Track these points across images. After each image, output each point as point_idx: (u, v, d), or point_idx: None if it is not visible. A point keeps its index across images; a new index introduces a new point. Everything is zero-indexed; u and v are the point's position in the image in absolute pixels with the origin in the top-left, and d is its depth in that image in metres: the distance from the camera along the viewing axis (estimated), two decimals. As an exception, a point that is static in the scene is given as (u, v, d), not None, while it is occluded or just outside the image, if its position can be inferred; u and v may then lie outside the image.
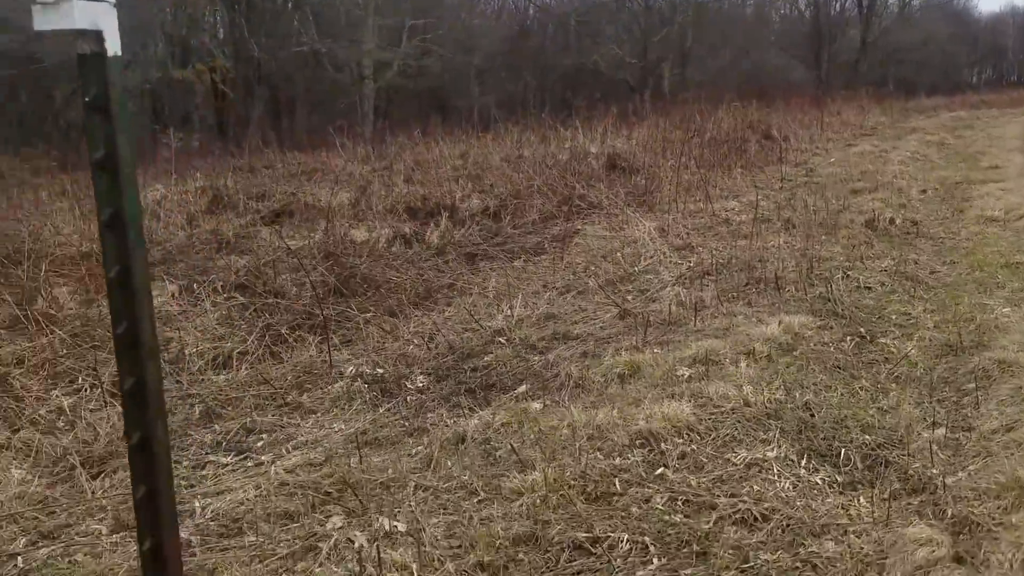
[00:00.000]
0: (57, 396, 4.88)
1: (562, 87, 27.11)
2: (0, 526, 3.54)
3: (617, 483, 3.49)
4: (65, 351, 5.39)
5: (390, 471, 3.82)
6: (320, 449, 4.15)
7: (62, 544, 3.39)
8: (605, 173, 10.99)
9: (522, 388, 4.66)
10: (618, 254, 7.09)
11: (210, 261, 7.46)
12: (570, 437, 3.89)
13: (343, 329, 5.81)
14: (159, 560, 1.01)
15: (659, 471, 3.60)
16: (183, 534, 3.44)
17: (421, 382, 4.88)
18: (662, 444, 3.77)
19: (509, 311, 5.79)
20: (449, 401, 4.60)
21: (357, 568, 3.01)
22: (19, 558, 3.29)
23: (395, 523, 3.34)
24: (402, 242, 8.15)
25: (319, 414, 4.62)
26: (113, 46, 0.99)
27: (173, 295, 6.31)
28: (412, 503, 3.52)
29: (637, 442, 3.82)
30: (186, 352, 5.30)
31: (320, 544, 3.25)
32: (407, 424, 4.37)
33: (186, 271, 6.83)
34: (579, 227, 7.84)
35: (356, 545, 3.22)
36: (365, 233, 8.63)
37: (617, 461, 3.67)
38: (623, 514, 3.26)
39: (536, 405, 4.39)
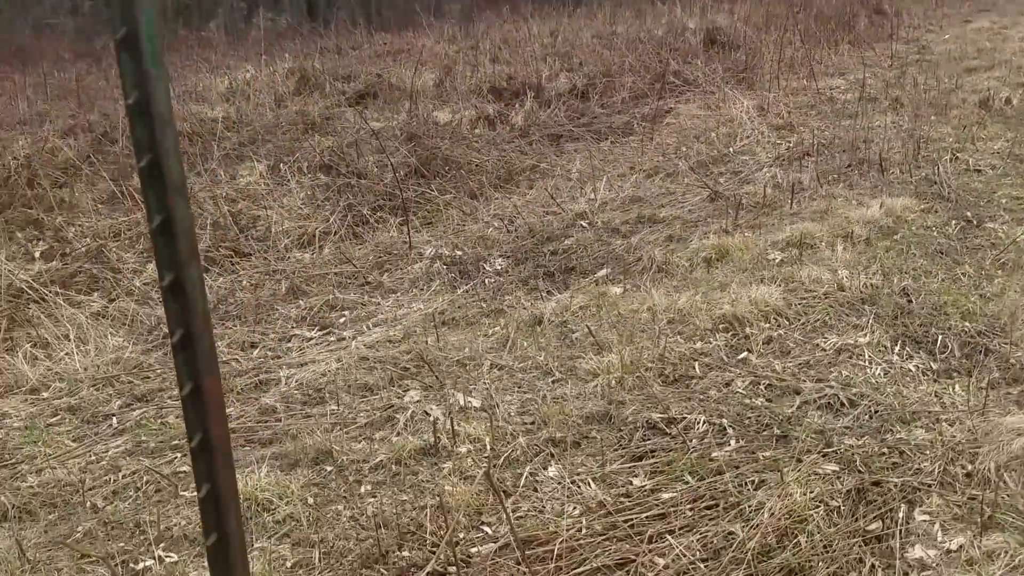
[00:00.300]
0: (151, 269, 5.04)
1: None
2: (98, 388, 3.73)
3: (696, 367, 3.41)
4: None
5: (466, 350, 3.82)
6: (399, 327, 4.18)
7: (154, 407, 3.54)
8: (703, 49, 10.45)
9: (602, 272, 4.56)
10: (712, 134, 6.78)
11: (296, 142, 7.49)
12: (649, 321, 3.79)
13: (423, 211, 5.78)
14: (199, 401, 0.98)
15: (742, 355, 3.49)
16: (268, 400, 3.55)
17: (499, 265, 4.83)
18: (747, 329, 3.64)
19: (592, 194, 5.63)
20: (527, 284, 4.55)
21: (433, 439, 3.04)
22: (114, 418, 3.46)
23: (470, 399, 3.36)
24: (485, 123, 7.99)
25: (399, 294, 4.65)
26: None
27: (261, 174, 6.38)
28: (487, 381, 3.52)
29: (720, 326, 3.70)
30: (272, 230, 5.37)
31: (397, 416, 3.29)
32: (484, 306, 4.35)
33: (273, 151, 6.87)
34: (671, 106, 7.51)
35: (432, 417, 3.26)
36: (448, 114, 8.50)
37: (698, 345, 3.58)
38: (701, 396, 3.19)
39: (616, 289, 4.30)
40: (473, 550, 2.49)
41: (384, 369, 3.72)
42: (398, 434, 3.17)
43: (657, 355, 3.44)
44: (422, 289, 4.66)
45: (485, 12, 15.65)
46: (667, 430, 2.97)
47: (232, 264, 4.96)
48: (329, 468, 2.97)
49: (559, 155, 6.67)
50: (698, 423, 2.99)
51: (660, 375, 3.34)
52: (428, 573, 2.40)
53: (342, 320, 4.36)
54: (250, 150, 6.78)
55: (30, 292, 4.41)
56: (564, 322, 3.98)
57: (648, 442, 2.91)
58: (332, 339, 4.18)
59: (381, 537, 2.55)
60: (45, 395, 3.66)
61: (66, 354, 3.89)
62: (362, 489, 2.84)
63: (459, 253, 5.01)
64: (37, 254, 5.24)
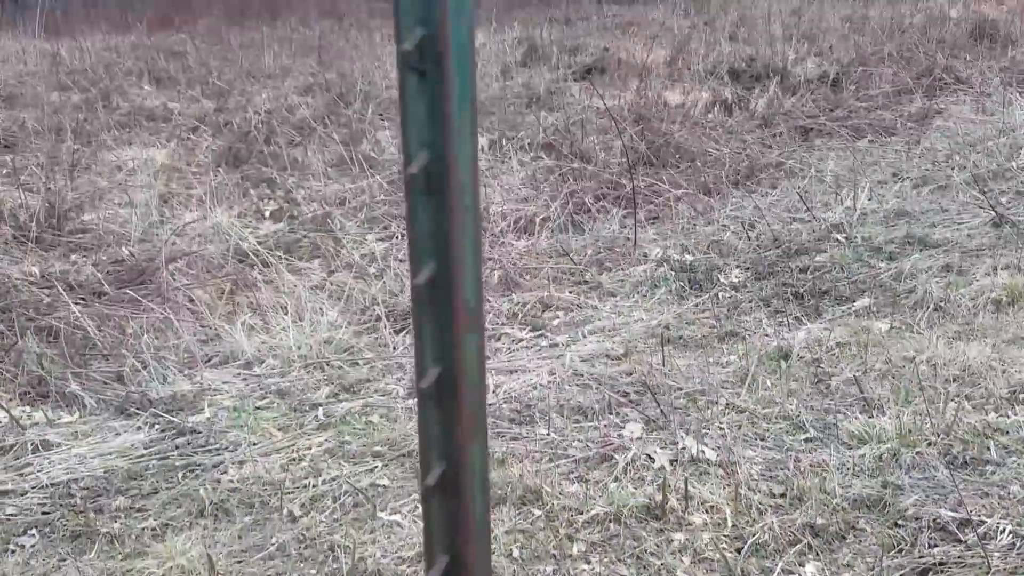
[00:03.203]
0: (371, 241, 4.89)
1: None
2: (308, 371, 3.56)
3: (992, 448, 2.73)
4: (382, 196, 5.40)
5: (697, 380, 3.33)
6: (618, 339, 3.75)
7: (361, 401, 3.31)
8: (970, 43, 9.18)
9: (864, 301, 3.89)
10: (991, 143, 5.80)
11: (520, 115, 7.20)
12: (929, 376, 3.13)
13: (651, 204, 5.28)
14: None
15: (1052, 440, 2.78)
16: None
17: (737, 277, 4.26)
18: (1059, 405, 2.91)
19: (851, 202, 4.91)
20: (770, 305, 3.96)
21: (659, 496, 2.59)
22: (320, 409, 3.25)
23: (702, 447, 2.87)
24: (722, 108, 7.33)
25: (618, 297, 4.20)
26: None
27: (483, 149, 6.11)
28: (722, 425, 3.01)
29: (1021, 396, 2.99)
30: (490, 211, 5.07)
31: (616, 455, 2.86)
32: (718, 325, 3.82)
33: (497, 125, 6.60)
34: (941, 106, 6.54)
35: (657, 464, 2.80)
36: (680, 96, 7.90)
37: (992, 418, 2.89)
38: (1000, 492, 2.53)
39: (882, 325, 3.64)
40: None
41: (600, 391, 3.30)
42: (616, 479, 2.74)
43: (943, 426, 2.79)
44: (645, 295, 4.19)
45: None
46: (960, 535, 2.35)
47: (446, 246, 4.71)
48: (537, 512, 2.59)
49: (808, 152, 5.94)
50: (1001, 530, 2.35)
51: (946, 454, 2.70)
52: None
53: (556, 322, 3.98)
54: (480, 119, 6.53)
55: (254, 256, 4.35)
56: (817, 360, 3.38)
57: (936, 548, 2.31)
58: (544, 344, 3.81)
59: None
60: (258, 371, 3.53)
61: (282, 328, 3.76)
62: (574, 549, 2.44)
63: (689, 258, 4.48)
64: (267, 214, 5.23)
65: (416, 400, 0.73)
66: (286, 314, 3.89)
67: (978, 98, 6.87)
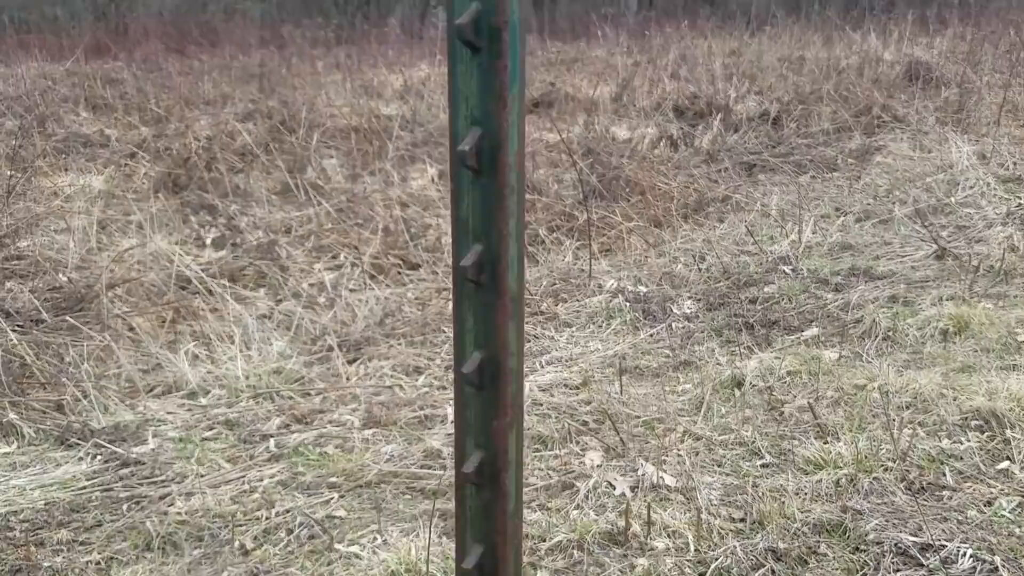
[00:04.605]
0: (319, 270, 4.81)
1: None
2: (257, 401, 3.46)
3: (947, 473, 2.78)
4: (330, 225, 5.32)
5: (654, 408, 3.33)
6: (576, 369, 3.73)
7: (314, 431, 3.22)
8: (904, 83, 9.53)
9: (812, 331, 3.95)
10: (929, 179, 6.00)
11: (468, 147, 7.20)
12: (881, 403, 3.18)
13: (603, 236, 5.31)
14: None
15: (1002, 465, 2.84)
16: (435, 443, 3.16)
17: (689, 308, 4.30)
18: (1007, 431, 2.97)
19: (796, 235, 5.01)
20: (722, 335, 4.00)
21: (621, 522, 2.56)
22: (271, 440, 3.16)
23: (662, 473, 2.86)
24: (668, 144, 7.46)
25: (575, 328, 4.20)
26: None
27: (432, 179, 6.09)
28: (680, 452, 3.01)
29: (972, 422, 3.05)
30: (443, 240, 5.04)
31: (577, 483, 2.83)
32: (672, 355, 3.84)
33: (445, 155, 6.58)
34: (880, 143, 6.75)
35: (618, 491, 2.78)
36: (627, 131, 8.01)
37: (945, 444, 2.94)
38: (958, 516, 2.56)
39: (830, 354, 3.69)
40: None
41: (560, 420, 3.27)
42: (578, 507, 2.71)
43: (898, 452, 2.83)
44: (600, 326, 4.19)
45: (663, 26, 15.06)
46: (921, 559, 2.37)
47: (400, 275, 4.65)
48: (500, 542, 2.54)
49: (753, 186, 6.06)
50: (961, 555, 2.38)
51: (903, 479, 2.74)
52: None
53: (512, 352, 3.95)
54: (424, 151, 6.51)
55: (197, 283, 4.23)
56: (770, 388, 3.41)
57: (899, 573, 2.32)
58: (500, 373, 3.77)
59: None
60: (204, 402, 3.42)
61: (229, 358, 3.65)
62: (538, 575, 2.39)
63: (643, 289, 4.51)
64: (208, 241, 5.11)
65: (453, 386, 0.69)
66: (232, 343, 3.78)
67: (915, 136, 7.11)
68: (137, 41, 13.64)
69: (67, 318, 3.73)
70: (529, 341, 4.05)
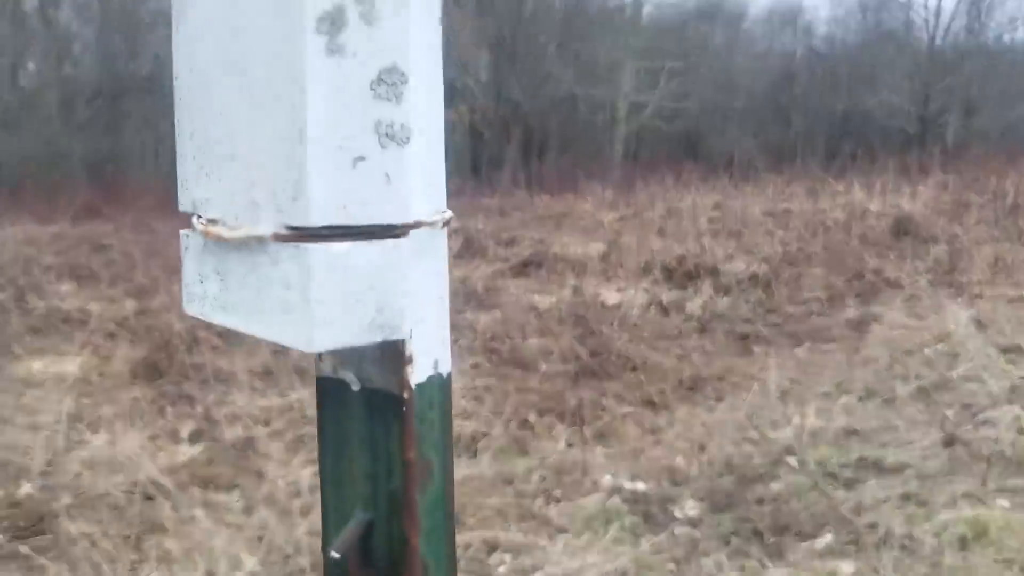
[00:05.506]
0: (297, 464, 4.56)
1: (828, 134, 25.12)
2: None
3: None
4: (311, 411, 5.10)
5: (662, 643, 3.02)
6: (573, 589, 3.44)
7: None
8: (892, 239, 9.60)
9: (825, 539, 3.68)
10: (927, 351, 5.86)
11: (459, 314, 7.08)
12: (910, 640, 2.89)
13: (597, 420, 5.09)
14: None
15: None
16: None
17: (692, 510, 4.03)
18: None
19: (799, 419, 4.80)
20: (729, 544, 3.72)
21: None
22: None
23: None
24: (658, 309, 7.37)
25: (570, 534, 3.91)
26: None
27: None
28: None
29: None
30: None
31: None
32: (677, 570, 3.55)
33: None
34: (876, 311, 6.66)
35: None
36: (616, 294, 7.96)
37: None
38: None
39: (847, 568, 3.42)
40: None
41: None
42: None
43: None
44: (597, 533, 3.91)
45: (647, 180, 15.38)
46: None
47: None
48: None
49: (749, 361, 5.91)
50: None
51: None
52: None
53: (501, 568, 3.65)
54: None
55: (164, 496, 3.96)
56: (786, 618, 3.12)
57: None
58: (491, 597, 3.47)
59: None
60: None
61: (191, 588, 3.35)
62: None
63: (641, 486, 4.25)
64: (184, 434, 4.87)
65: None
66: (196, 569, 3.48)
67: (910, 300, 7.05)
68: (131, 201, 13.78)
69: (21, 547, 3.44)
70: (520, 553, 3.76)
